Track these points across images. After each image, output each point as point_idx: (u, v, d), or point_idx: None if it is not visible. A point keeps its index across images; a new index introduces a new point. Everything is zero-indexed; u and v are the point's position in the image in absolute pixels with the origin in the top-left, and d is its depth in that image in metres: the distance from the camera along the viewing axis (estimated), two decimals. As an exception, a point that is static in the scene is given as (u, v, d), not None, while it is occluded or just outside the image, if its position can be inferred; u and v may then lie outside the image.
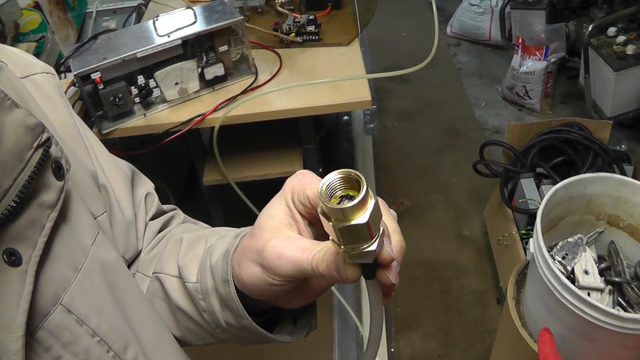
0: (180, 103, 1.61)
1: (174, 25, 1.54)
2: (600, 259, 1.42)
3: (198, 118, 1.55)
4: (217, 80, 1.64)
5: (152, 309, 0.62)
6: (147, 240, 0.70)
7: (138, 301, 0.59)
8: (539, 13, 2.94)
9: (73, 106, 1.53)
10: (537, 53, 2.89)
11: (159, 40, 1.49)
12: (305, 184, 0.49)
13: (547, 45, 2.89)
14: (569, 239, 1.39)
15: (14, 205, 0.43)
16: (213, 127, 1.57)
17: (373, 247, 0.42)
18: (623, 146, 2.68)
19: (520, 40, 2.96)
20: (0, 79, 0.50)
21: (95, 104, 1.48)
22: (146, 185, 0.73)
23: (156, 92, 1.57)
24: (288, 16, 1.85)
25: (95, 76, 1.43)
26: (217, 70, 1.62)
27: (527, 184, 1.89)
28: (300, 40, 1.80)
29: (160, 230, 0.72)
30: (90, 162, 0.61)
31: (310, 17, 1.81)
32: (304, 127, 1.83)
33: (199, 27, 1.53)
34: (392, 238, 0.46)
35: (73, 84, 1.52)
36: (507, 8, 3.22)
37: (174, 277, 0.62)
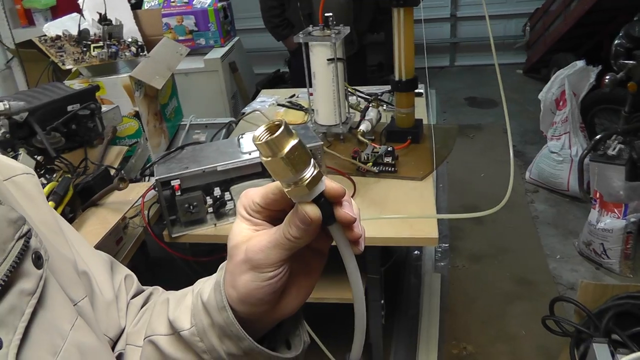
0: (252, 218, 1.64)
1: (257, 143, 1.60)
2: None
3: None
4: (291, 200, 1.67)
5: None
6: (132, 316, 0.73)
7: None
8: (619, 169, 2.87)
9: (149, 208, 1.60)
10: (615, 210, 2.80)
11: (240, 157, 1.56)
12: (251, 196, 0.57)
13: (627, 204, 2.79)
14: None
15: None
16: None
17: (307, 181, 0.49)
18: None
19: (598, 195, 2.89)
20: None
21: (170, 208, 1.53)
22: (124, 270, 0.78)
23: (230, 205, 1.61)
24: (368, 145, 1.90)
25: (175, 183, 1.50)
26: (292, 190, 1.66)
27: (601, 351, 1.76)
28: (376, 170, 1.82)
29: (142, 306, 0.75)
30: (70, 252, 0.65)
31: (389, 149, 1.84)
32: (370, 255, 1.81)
33: (280, 148, 1.59)
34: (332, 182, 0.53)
35: (153, 187, 1.59)
36: (586, 160, 3.17)
37: (166, 335, 0.64)
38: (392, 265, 2.38)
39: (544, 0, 5.50)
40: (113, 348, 0.70)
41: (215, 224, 1.61)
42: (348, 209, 0.53)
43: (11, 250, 0.49)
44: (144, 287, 0.79)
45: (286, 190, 0.51)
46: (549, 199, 3.68)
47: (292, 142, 0.48)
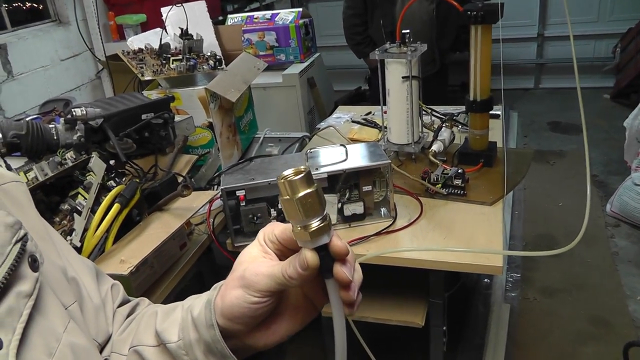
0: (315, 233, 1.64)
1: (326, 159, 1.61)
2: None
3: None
4: (355, 218, 1.66)
5: None
6: (117, 325, 0.74)
7: None
8: None
9: (215, 217, 1.62)
10: None
11: (307, 171, 1.56)
12: (274, 227, 0.61)
13: None
14: None
15: None
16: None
17: (313, 228, 0.54)
18: None
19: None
20: None
21: (235, 218, 1.56)
22: (109, 280, 0.79)
23: (294, 218, 1.61)
24: (438, 166, 1.86)
25: (240, 193, 1.52)
26: (357, 208, 1.65)
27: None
28: (445, 193, 1.78)
29: (128, 315, 0.77)
30: (59, 258, 0.67)
31: (459, 171, 1.80)
32: (434, 279, 1.77)
33: (347, 165, 1.58)
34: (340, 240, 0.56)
35: (219, 197, 1.62)
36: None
37: (152, 346, 0.66)
38: (459, 292, 2.31)
39: (638, 20, 5.26)
40: (101, 353, 0.71)
41: (278, 237, 1.62)
42: (347, 269, 0.56)
43: (9, 253, 0.51)
44: (130, 297, 0.81)
45: (293, 231, 0.55)
46: (631, 235, 3.48)
47: (309, 189, 0.53)
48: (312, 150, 1.65)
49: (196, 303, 0.65)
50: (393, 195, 1.67)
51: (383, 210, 1.70)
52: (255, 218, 1.55)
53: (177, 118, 1.81)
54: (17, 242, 0.53)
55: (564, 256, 3.26)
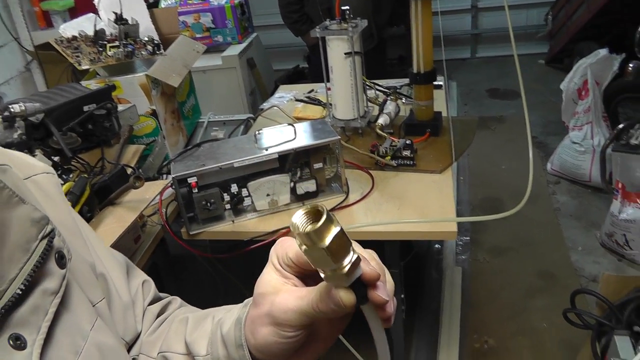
0: (269, 214, 1.64)
1: (274, 139, 1.60)
2: None
3: (284, 230, 1.56)
4: (308, 196, 1.67)
5: None
6: (147, 324, 0.73)
7: None
8: (641, 158, 2.83)
9: (167, 206, 1.60)
10: (638, 200, 2.74)
11: (257, 153, 1.55)
12: (286, 248, 0.56)
13: (650, 194, 2.74)
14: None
15: (20, 293, 0.47)
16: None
17: (346, 269, 0.48)
18: None
19: (620, 185, 2.84)
20: (6, 179, 0.54)
21: (188, 206, 1.54)
22: (141, 275, 0.78)
23: (247, 201, 1.61)
24: (386, 139, 1.88)
25: (192, 180, 1.50)
26: (310, 186, 1.65)
27: (622, 343, 1.73)
28: (395, 164, 1.81)
29: (159, 314, 0.76)
30: (88, 254, 0.65)
31: (407, 142, 1.82)
32: (390, 249, 1.80)
33: (297, 143, 1.58)
34: (371, 262, 0.52)
35: (171, 185, 1.59)
36: (609, 150, 3.12)
37: (182, 354, 0.65)
38: (413, 260, 2.37)
39: (566, -12, 5.41)
40: (128, 352, 0.70)
41: (233, 221, 1.62)
42: (382, 291, 0.51)
43: (35, 249, 0.49)
44: (162, 295, 0.80)
45: (323, 275, 0.50)
46: (571, 190, 3.63)
47: (334, 230, 0.46)
48: (260, 132, 1.64)
49: (226, 318, 0.62)
50: (344, 170, 1.69)
51: (335, 186, 1.71)
52: (208, 204, 1.54)
53: (120, 107, 1.76)
54: (43, 238, 0.50)
55: (509, 216, 3.36)
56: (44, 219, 0.51)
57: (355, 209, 1.65)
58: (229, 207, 1.60)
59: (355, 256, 0.48)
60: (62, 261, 0.52)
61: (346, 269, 0.48)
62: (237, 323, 0.59)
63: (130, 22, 2.02)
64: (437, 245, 2.99)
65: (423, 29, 1.84)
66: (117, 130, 1.66)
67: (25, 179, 0.60)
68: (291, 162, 1.63)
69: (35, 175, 0.62)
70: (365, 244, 0.55)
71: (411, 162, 1.82)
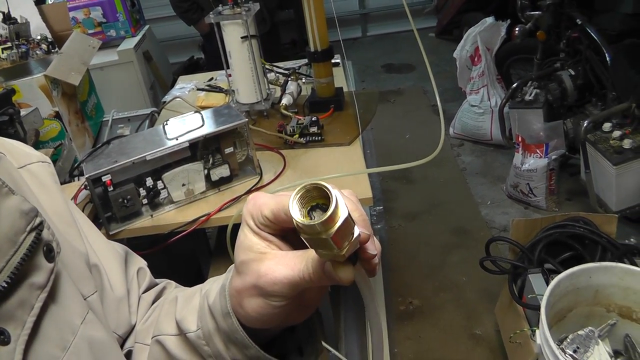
0: (187, 204, 1.65)
1: (182, 128, 1.60)
2: (616, 354, 1.38)
3: (203, 218, 1.58)
4: (223, 181, 1.68)
5: None
6: (142, 312, 0.71)
7: None
8: (537, 112, 3.04)
9: (83, 209, 1.57)
10: (537, 151, 2.96)
11: (167, 143, 1.55)
12: (260, 206, 0.51)
13: (547, 143, 2.96)
14: (579, 332, 1.37)
15: (5, 286, 0.45)
16: (219, 227, 1.59)
17: (345, 250, 0.44)
18: (632, 240, 2.67)
19: (520, 139, 3.04)
20: None
21: (105, 205, 1.52)
22: (138, 262, 0.76)
23: (164, 194, 1.61)
24: (292, 118, 1.92)
25: (106, 179, 1.48)
26: (223, 171, 1.67)
27: (536, 280, 1.88)
28: (304, 141, 1.86)
29: (154, 301, 0.73)
30: (82, 244, 0.64)
31: (313, 119, 1.88)
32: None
33: (206, 130, 1.59)
34: (353, 215, 0.47)
35: (85, 187, 1.56)
36: (506, 108, 3.34)
37: (173, 335, 0.63)
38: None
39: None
40: (122, 345, 0.68)
41: (151, 215, 1.61)
42: (371, 245, 0.48)
43: (22, 242, 0.47)
44: (157, 281, 0.77)
45: (320, 255, 0.46)
46: (474, 150, 3.83)
47: (342, 216, 0.42)
48: (167, 122, 1.64)
49: (212, 289, 0.59)
50: (255, 152, 1.72)
51: (248, 168, 1.74)
52: (125, 201, 1.52)
53: (22, 112, 1.70)
54: (32, 230, 0.48)
55: (418, 181, 3.51)
56: (33, 210, 0.50)
57: (270, 189, 1.68)
58: (146, 201, 1.59)
59: (356, 234, 0.45)
60: (50, 255, 0.50)
61: (345, 250, 0.44)
62: (221, 291, 0.56)
63: (19, 20, 1.94)
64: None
65: (315, 8, 1.89)
66: (23, 137, 1.60)
67: (20, 168, 0.59)
68: (202, 149, 1.64)
69: (31, 164, 0.61)
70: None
71: (319, 138, 1.87)
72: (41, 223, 0.50)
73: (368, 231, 0.47)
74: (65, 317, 0.52)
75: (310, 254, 0.48)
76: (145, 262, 0.77)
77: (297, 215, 0.44)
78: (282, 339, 0.62)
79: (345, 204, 0.44)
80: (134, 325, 0.70)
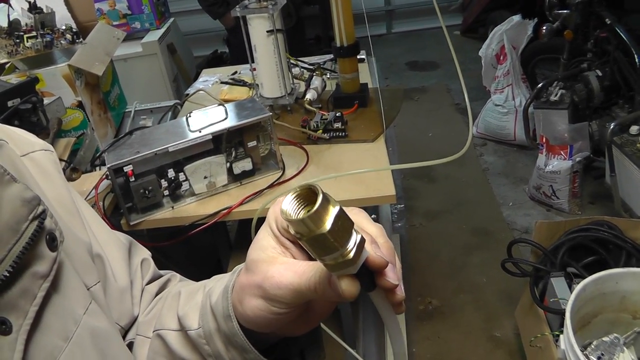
0: (208, 197, 1.64)
1: (206, 121, 1.59)
2: (641, 362, 1.35)
3: (224, 211, 1.57)
4: (245, 175, 1.67)
5: None
6: (145, 304, 0.71)
7: None
8: (562, 113, 2.99)
9: (104, 198, 1.57)
10: (561, 152, 2.91)
11: (190, 135, 1.54)
12: None
13: (572, 145, 2.91)
14: (604, 338, 1.35)
15: (7, 275, 0.44)
16: (240, 221, 1.58)
17: (351, 254, 0.42)
18: (657, 247, 2.61)
19: (544, 140, 3.00)
20: (1, 156, 0.53)
21: (126, 195, 1.52)
22: (142, 253, 0.75)
23: (185, 186, 1.60)
24: (316, 114, 1.91)
25: (128, 169, 1.47)
26: (245, 165, 1.66)
27: (558, 283, 1.85)
28: (327, 137, 1.84)
29: (157, 293, 0.73)
30: (85, 234, 0.63)
31: (337, 115, 1.86)
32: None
33: (229, 123, 1.58)
34: (378, 241, 0.47)
35: (106, 177, 1.57)
36: (530, 108, 3.29)
37: (175, 330, 0.62)
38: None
39: (476, -40, 5.58)
40: (124, 337, 0.68)
41: (172, 207, 1.61)
42: (391, 274, 0.46)
43: (25, 231, 0.47)
44: (161, 272, 0.77)
45: (325, 265, 0.44)
46: (497, 150, 3.78)
47: (334, 210, 0.40)
48: (191, 114, 1.63)
49: (216, 287, 0.59)
50: (278, 147, 1.70)
51: (271, 163, 1.73)
52: (146, 192, 1.52)
53: (45, 101, 1.71)
54: (34, 219, 0.48)
55: (440, 180, 3.48)
56: (35, 199, 0.49)
57: (292, 184, 1.67)
58: (167, 193, 1.59)
59: (359, 237, 0.43)
60: (53, 244, 0.50)
61: (351, 253, 0.42)
62: (224, 293, 0.56)
63: (45, 10, 1.95)
64: (372, 216, 3.05)
65: (342, 3, 1.87)
66: (45, 125, 1.60)
67: (23, 156, 0.58)
68: (225, 142, 1.63)
69: (34, 152, 0.60)
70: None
71: (343, 134, 1.85)
72: (44, 211, 0.49)
73: (391, 260, 0.46)
74: (68, 307, 0.52)
75: (320, 266, 0.46)
76: (150, 253, 0.77)
77: (288, 213, 0.42)
78: (284, 343, 0.61)
79: (368, 225, 0.45)
80: (137, 317, 0.70)
